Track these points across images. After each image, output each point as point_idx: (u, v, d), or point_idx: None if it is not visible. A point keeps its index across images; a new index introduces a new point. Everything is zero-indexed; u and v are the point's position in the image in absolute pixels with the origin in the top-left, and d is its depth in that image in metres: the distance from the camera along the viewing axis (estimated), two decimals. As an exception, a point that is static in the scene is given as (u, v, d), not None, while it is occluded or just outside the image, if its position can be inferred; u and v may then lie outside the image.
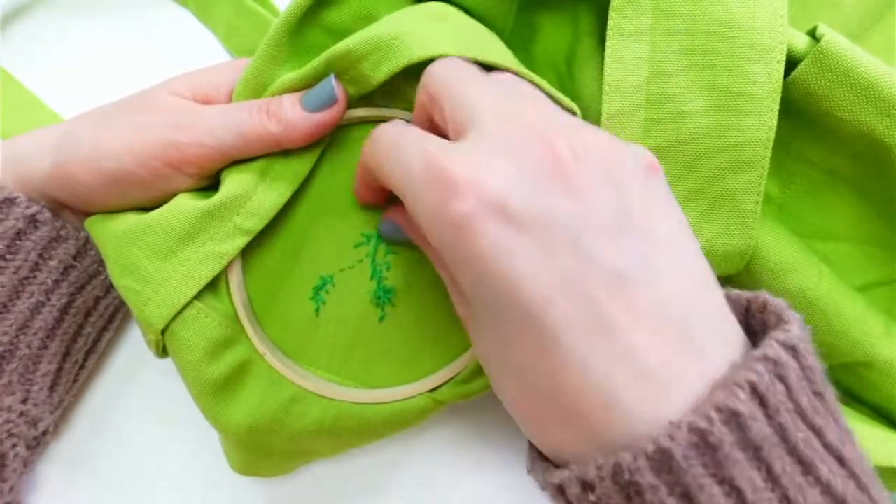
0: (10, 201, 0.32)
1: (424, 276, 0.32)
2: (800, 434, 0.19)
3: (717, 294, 0.22)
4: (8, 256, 0.32)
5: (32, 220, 0.33)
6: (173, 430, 0.37)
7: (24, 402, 0.34)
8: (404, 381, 0.32)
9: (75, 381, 0.37)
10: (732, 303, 0.23)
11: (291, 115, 0.29)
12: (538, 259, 0.20)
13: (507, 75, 0.27)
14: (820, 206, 0.32)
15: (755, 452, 0.18)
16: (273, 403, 0.30)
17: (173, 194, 0.31)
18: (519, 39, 0.33)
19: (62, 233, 0.34)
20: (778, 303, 0.22)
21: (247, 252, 0.32)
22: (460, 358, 0.31)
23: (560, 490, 0.21)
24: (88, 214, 0.33)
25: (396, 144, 0.25)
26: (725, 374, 0.20)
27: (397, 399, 0.31)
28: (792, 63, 0.28)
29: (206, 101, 0.32)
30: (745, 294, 0.23)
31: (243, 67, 0.32)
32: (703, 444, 0.18)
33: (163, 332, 0.30)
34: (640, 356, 0.19)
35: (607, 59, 0.29)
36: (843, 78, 0.27)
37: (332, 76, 0.30)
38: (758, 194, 0.28)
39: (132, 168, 0.30)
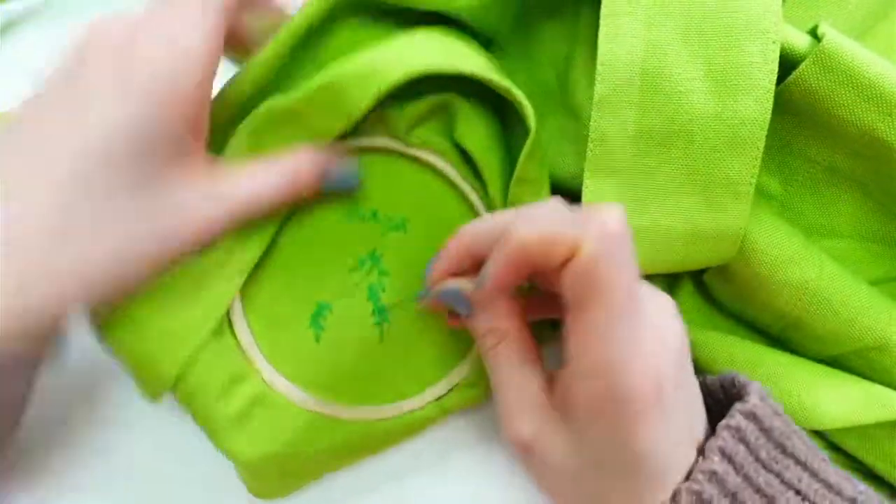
0: None
1: (417, 290, 0.31)
2: (761, 479, 0.25)
3: (698, 395, 0.27)
4: None
5: None
6: (173, 428, 0.36)
7: None
8: (410, 394, 0.32)
9: None
10: (707, 385, 0.29)
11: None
12: (663, 426, 0.24)
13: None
14: (822, 203, 0.31)
15: (734, 498, 0.24)
16: (286, 433, 0.30)
17: None
18: (520, 44, 0.33)
19: None
20: (739, 378, 0.27)
21: (244, 287, 0.31)
22: (462, 362, 0.32)
23: None
24: None
25: None
26: (704, 444, 0.26)
27: (405, 412, 0.31)
28: (793, 62, 0.28)
29: (198, 124, 0.27)
30: (717, 378, 0.29)
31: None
32: (699, 500, 0.24)
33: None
34: (670, 471, 0.25)
35: (601, 40, 0.28)
36: (844, 78, 0.27)
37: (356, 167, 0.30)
38: (752, 176, 0.27)
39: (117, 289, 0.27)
